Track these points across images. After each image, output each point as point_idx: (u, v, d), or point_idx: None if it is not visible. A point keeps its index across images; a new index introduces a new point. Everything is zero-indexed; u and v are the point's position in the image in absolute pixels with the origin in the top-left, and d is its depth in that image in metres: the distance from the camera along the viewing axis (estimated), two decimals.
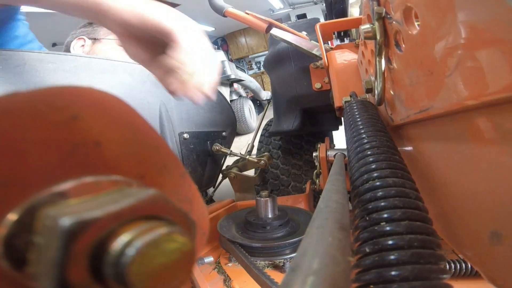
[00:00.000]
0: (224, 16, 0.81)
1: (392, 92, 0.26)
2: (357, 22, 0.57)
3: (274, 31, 0.69)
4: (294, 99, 0.74)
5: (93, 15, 0.37)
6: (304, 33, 0.71)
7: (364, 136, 0.23)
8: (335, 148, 0.55)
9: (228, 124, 0.83)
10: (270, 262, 0.50)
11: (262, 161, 0.80)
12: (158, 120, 0.62)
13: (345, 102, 0.38)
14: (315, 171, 0.58)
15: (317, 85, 0.70)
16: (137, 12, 0.35)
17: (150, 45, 0.39)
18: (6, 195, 0.10)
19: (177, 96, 0.37)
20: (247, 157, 0.82)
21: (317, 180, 0.58)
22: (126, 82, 0.56)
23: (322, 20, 0.66)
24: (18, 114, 0.10)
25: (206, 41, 0.38)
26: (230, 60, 6.05)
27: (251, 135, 1.06)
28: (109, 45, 0.73)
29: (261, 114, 1.21)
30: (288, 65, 0.73)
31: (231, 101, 3.09)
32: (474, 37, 0.12)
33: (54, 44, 3.04)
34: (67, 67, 0.47)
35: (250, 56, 6.51)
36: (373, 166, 0.19)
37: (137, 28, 0.36)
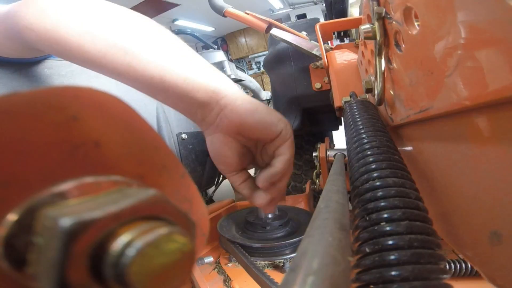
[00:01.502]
0: (224, 16, 0.81)
1: (392, 92, 0.26)
2: (357, 22, 0.57)
3: (274, 31, 0.69)
4: (294, 99, 0.74)
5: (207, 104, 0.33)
6: (304, 33, 0.71)
7: (364, 136, 0.23)
8: (335, 148, 0.55)
9: None
10: (270, 262, 0.50)
11: None
12: (156, 121, 0.62)
13: (345, 102, 0.38)
14: (315, 171, 0.58)
15: (317, 85, 0.70)
16: (259, 116, 0.32)
17: (245, 153, 0.36)
18: (6, 195, 0.10)
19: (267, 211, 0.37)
20: None
21: (317, 180, 0.58)
22: (123, 85, 0.56)
23: (322, 20, 0.66)
24: (18, 114, 0.10)
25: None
26: (230, 60, 6.06)
27: None
28: None
29: None
30: (288, 65, 0.73)
31: None
32: (474, 37, 0.12)
33: None
34: (63, 72, 0.47)
35: (250, 56, 6.51)
36: (373, 166, 0.19)
37: (250, 130, 0.33)
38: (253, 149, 0.37)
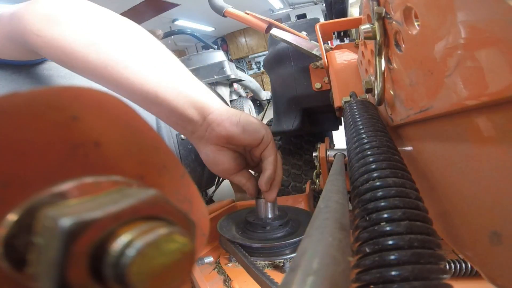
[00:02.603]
0: (224, 16, 0.82)
1: (392, 92, 0.26)
2: (357, 22, 0.57)
3: (274, 31, 0.69)
4: (294, 99, 0.74)
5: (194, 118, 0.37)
6: (304, 33, 0.71)
7: (364, 136, 0.23)
8: (335, 148, 0.55)
9: None
10: (270, 262, 0.50)
11: None
12: (155, 121, 0.62)
13: (345, 102, 0.38)
14: (315, 171, 0.58)
15: (317, 85, 0.70)
16: (242, 126, 0.37)
17: (238, 157, 0.41)
18: (6, 195, 0.10)
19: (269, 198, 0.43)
20: None
21: (317, 180, 0.58)
22: None
23: (322, 20, 0.66)
24: (18, 114, 0.10)
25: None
26: (230, 60, 6.05)
27: None
28: None
29: (261, 114, 1.21)
30: (288, 65, 0.73)
31: (231, 101, 3.08)
32: (474, 37, 0.12)
33: None
34: (62, 73, 0.47)
35: (250, 56, 6.51)
36: (373, 166, 0.19)
37: (238, 139, 0.38)
38: (243, 153, 0.42)
